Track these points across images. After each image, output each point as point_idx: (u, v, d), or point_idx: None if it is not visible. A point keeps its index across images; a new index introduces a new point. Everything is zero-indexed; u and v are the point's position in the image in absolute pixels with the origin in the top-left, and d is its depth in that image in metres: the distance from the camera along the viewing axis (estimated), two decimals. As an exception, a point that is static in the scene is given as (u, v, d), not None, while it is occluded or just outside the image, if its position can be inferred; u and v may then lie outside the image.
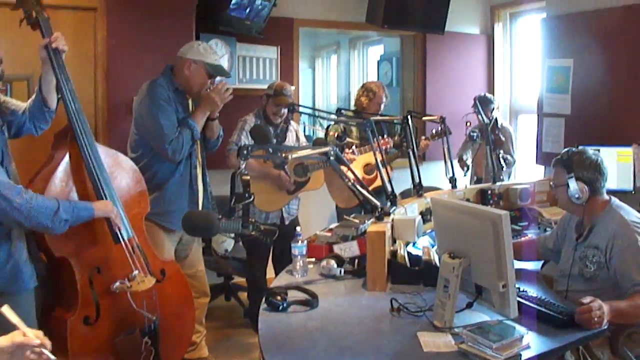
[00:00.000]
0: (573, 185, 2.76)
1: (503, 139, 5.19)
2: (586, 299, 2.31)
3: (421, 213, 3.62)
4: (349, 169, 3.06)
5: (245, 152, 2.56)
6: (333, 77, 8.55)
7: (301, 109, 3.87)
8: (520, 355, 2.07)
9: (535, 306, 2.42)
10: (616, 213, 2.76)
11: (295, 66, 5.34)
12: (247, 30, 4.78)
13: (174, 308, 3.11)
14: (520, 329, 2.19)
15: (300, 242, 3.01)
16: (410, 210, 3.54)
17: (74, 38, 4.11)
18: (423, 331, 2.29)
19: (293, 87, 5.16)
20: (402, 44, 6.28)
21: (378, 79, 6.89)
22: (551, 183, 2.99)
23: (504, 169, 4.71)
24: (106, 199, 2.76)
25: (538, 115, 5.33)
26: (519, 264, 3.14)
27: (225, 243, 4.62)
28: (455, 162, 5.48)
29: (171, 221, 3.43)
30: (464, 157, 5.47)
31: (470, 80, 6.10)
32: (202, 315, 3.82)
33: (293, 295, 2.63)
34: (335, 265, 2.96)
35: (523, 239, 3.58)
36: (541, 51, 5.25)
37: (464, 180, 4.46)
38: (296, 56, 5.33)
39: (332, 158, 2.80)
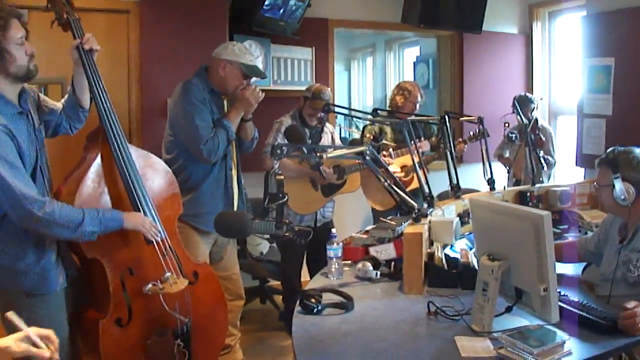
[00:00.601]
0: (619, 185, 2.64)
1: (543, 139, 5.08)
2: (630, 304, 2.22)
3: (459, 215, 3.55)
4: (386, 169, 3.00)
5: (278, 151, 2.52)
6: (369, 79, 8.50)
7: (337, 109, 3.80)
8: (562, 361, 1.99)
9: (577, 311, 2.33)
10: None
11: (331, 68, 5.29)
12: (281, 31, 4.75)
13: (206, 310, 3.07)
14: (561, 334, 2.10)
15: (335, 244, 2.96)
16: (447, 212, 3.46)
17: (106, 41, 4.15)
18: (461, 335, 2.22)
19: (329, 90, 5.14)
20: (438, 45, 6.20)
21: (415, 80, 6.81)
22: (595, 184, 2.88)
23: (545, 170, 4.60)
24: (138, 200, 2.74)
25: (578, 116, 5.20)
26: (559, 268, 3.04)
27: (261, 246, 4.61)
28: (496, 162, 5.43)
29: (205, 223, 3.38)
30: (505, 154, 5.37)
31: (509, 81, 5.99)
32: (236, 319, 3.78)
33: (328, 298, 2.57)
34: (372, 268, 2.91)
35: (563, 241, 3.48)
36: (581, 50, 5.12)
37: (502, 182, 4.33)
38: (331, 57, 5.29)
39: (368, 158, 2.74)
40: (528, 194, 4.03)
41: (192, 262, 3.08)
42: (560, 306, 2.33)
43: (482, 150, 4.00)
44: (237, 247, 4.66)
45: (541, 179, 4.34)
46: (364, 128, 4.78)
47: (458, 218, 3.29)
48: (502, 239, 2.29)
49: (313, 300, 2.47)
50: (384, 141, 4.25)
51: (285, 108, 4.41)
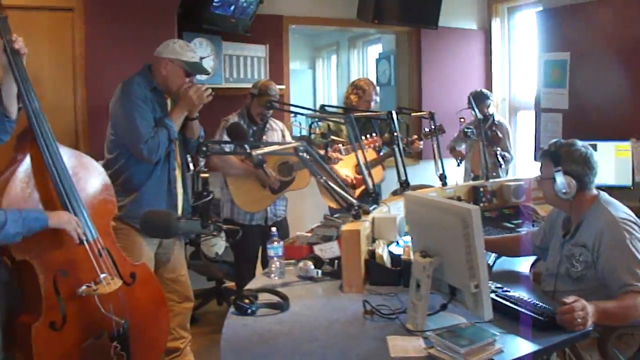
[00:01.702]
0: (560, 179, 2.59)
1: (500, 135, 5.05)
2: (569, 299, 2.17)
3: (407, 212, 3.52)
4: (321, 165, 2.93)
5: (204, 148, 2.46)
6: (333, 78, 8.42)
7: (291, 108, 3.76)
8: (493, 360, 1.93)
9: (515, 307, 2.28)
10: (604, 209, 2.58)
11: (286, 65, 5.21)
12: (232, 28, 4.67)
13: (145, 312, 3.01)
14: (494, 332, 2.04)
15: (275, 242, 2.89)
16: (395, 208, 3.41)
17: (50, 40, 4.04)
18: (395, 335, 2.15)
19: (282, 87, 5.07)
20: (397, 41, 6.15)
21: (377, 78, 6.77)
22: (537, 177, 2.83)
23: (502, 166, 4.57)
24: (67, 199, 2.66)
25: (536, 111, 5.17)
26: (510, 263, 3.03)
27: (216, 246, 4.52)
28: (449, 158, 5.39)
29: None
30: (457, 148, 5.33)
31: (468, 77, 5.95)
32: (186, 321, 3.69)
33: (265, 298, 2.51)
34: (312, 267, 2.85)
35: (516, 235, 3.44)
36: (537, 45, 5.09)
37: (455, 178, 4.28)
38: (286, 55, 5.21)
39: (301, 154, 2.67)
40: (481, 189, 4.00)
41: (129, 263, 3.00)
42: (499, 302, 2.29)
43: (433, 146, 3.97)
44: (192, 249, 4.62)
45: (495, 174, 4.32)
46: (311, 124, 4.72)
47: (403, 214, 3.23)
48: (434, 235, 2.23)
49: (247, 301, 2.41)
50: (335, 137, 4.18)
51: (237, 106, 4.31)
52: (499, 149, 4.83)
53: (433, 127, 4.18)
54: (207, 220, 2.34)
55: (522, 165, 5.75)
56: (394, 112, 3.55)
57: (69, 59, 4.17)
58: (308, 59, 8.49)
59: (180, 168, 3.50)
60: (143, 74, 3.37)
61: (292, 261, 3.00)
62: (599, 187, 4.23)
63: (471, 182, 4.10)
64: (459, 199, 3.90)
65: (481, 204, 3.98)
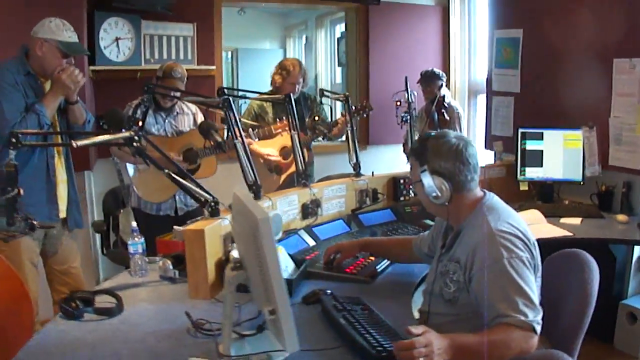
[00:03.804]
0: (427, 180, 2.12)
1: (447, 118, 4.64)
2: (417, 329, 1.72)
3: (304, 205, 3.17)
4: (164, 154, 2.61)
5: (13, 139, 2.16)
6: (304, 58, 8.04)
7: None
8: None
9: (351, 333, 1.92)
10: (483, 218, 2.06)
11: (217, 45, 4.84)
12: (150, 6, 4.34)
13: (3, 309, 2.71)
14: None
15: (136, 238, 2.62)
16: (285, 202, 3.07)
17: None
18: (200, 358, 1.84)
19: (212, 67, 4.75)
20: (346, 19, 5.72)
21: (338, 58, 6.38)
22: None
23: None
24: None
25: (487, 94, 4.75)
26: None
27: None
28: (402, 150, 5.02)
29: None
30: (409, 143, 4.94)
31: (422, 57, 5.47)
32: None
33: (103, 299, 2.29)
34: (171, 267, 2.58)
35: (397, 237, 3.06)
36: (489, 20, 4.66)
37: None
38: (218, 34, 4.84)
39: (135, 144, 2.34)
40: (402, 180, 3.62)
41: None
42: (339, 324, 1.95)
43: (347, 132, 3.62)
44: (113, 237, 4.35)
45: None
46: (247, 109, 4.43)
47: (279, 212, 2.88)
48: (241, 245, 1.89)
49: (74, 304, 2.18)
50: (244, 120, 3.87)
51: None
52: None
53: (354, 108, 3.84)
54: (12, 217, 2.03)
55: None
56: (291, 96, 3.23)
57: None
58: (278, 38, 8.13)
59: (62, 155, 3.28)
60: (18, 59, 3.16)
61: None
62: (543, 182, 3.91)
63: (391, 173, 3.70)
64: (374, 192, 3.54)
65: (402, 198, 3.62)
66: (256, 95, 3.81)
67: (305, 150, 4.21)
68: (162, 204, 3.92)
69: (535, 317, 1.84)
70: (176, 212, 3.97)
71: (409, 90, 4.05)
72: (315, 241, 3.02)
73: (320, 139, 4.24)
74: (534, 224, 3.41)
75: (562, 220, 3.57)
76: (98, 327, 2.11)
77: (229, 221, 2.58)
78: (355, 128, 3.65)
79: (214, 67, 4.79)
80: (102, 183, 4.53)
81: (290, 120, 3.22)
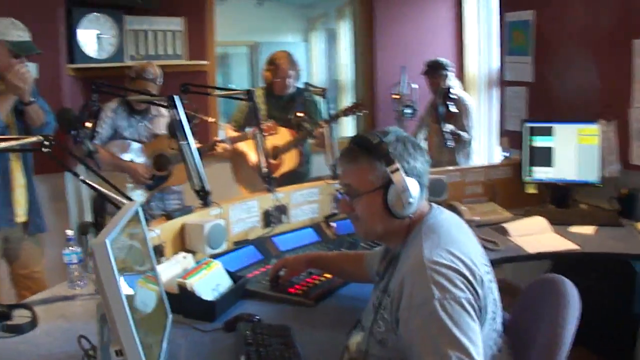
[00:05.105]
0: (402, 182, 1.68)
1: (455, 111, 4.24)
2: None
3: (265, 213, 2.89)
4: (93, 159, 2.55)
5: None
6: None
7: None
8: None
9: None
10: (419, 242, 1.63)
11: (210, 40, 4.59)
12: (131, 1, 4.13)
13: None
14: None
15: (70, 248, 2.42)
16: (242, 209, 2.80)
17: None
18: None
19: (205, 63, 4.52)
20: (353, 4, 5.36)
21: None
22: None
23: (447, 144, 3.80)
24: None
25: (500, 85, 4.33)
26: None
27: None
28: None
29: None
30: (419, 135, 4.59)
31: (433, 46, 5.07)
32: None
33: (22, 314, 2.13)
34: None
35: (350, 253, 2.58)
36: (499, 2, 4.24)
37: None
38: (210, 27, 4.59)
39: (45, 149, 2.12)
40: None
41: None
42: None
43: (325, 131, 3.31)
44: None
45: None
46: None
47: (221, 221, 2.60)
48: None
49: None
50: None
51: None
52: (449, 126, 4.03)
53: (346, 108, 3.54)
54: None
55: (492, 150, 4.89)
56: (253, 93, 2.96)
57: None
58: (301, 30, 7.83)
59: (19, 158, 3.17)
60: None
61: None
62: (555, 183, 3.46)
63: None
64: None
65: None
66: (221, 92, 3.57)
67: (295, 151, 3.96)
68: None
69: None
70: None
71: (405, 81, 3.70)
72: (273, 253, 2.72)
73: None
74: (535, 234, 3.02)
75: (573, 229, 3.09)
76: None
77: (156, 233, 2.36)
78: (331, 128, 3.33)
79: (206, 62, 4.55)
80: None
81: (257, 117, 2.99)
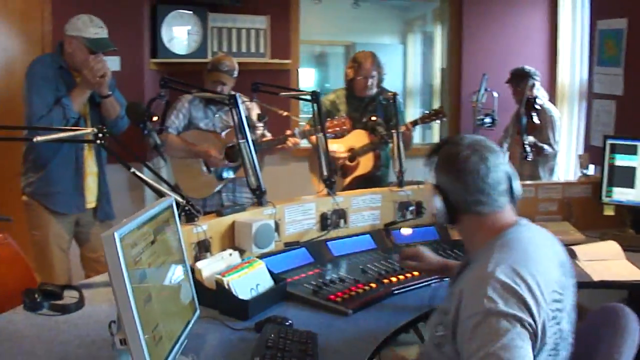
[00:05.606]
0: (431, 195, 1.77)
1: (537, 122, 4.07)
2: None
3: (322, 216, 2.88)
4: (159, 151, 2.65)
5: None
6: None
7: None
8: None
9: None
10: (489, 255, 1.58)
11: (294, 38, 4.63)
12: (217, -2, 4.26)
13: (11, 294, 2.73)
14: None
15: None
16: (298, 211, 2.80)
17: (21, 20, 4.03)
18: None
19: (287, 62, 4.54)
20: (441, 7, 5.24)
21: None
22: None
23: (527, 157, 3.66)
24: None
25: (588, 98, 4.10)
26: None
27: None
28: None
29: (56, 204, 3.27)
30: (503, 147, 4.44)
31: (524, 53, 4.87)
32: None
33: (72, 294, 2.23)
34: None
35: None
36: (590, 9, 4.00)
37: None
38: (295, 25, 4.62)
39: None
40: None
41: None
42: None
43: (394, 138, 3.25)
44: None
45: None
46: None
47: (271, 221, 2.60)
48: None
49: (36, 295, 2.14)
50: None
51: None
52: (530, 138, 3.88)
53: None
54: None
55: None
56: (317, 94, 2.97)
57: (38, 38, 4.10)
58: (398, 33, 7.73)
59: (92, 148, 3.33)
60: (55, 52, 3.34)
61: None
62: (636, 206, 3.19)
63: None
64: (419, 206, 3.14)
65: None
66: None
67: (371, 155, 3.91)
68: (207, 200, 3.81)
69: None
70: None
71: (484, 89, 3.59)
72: (326, 257, 2.70)
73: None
74: (605, 260, 2.82)
75: (650, 257, 2.85)
76: (44, 322, 2.05)
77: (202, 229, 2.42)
78: (398, 134, 3.26)
79: (289, 61, 4.59)
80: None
81: (321, 119, 3.01)
